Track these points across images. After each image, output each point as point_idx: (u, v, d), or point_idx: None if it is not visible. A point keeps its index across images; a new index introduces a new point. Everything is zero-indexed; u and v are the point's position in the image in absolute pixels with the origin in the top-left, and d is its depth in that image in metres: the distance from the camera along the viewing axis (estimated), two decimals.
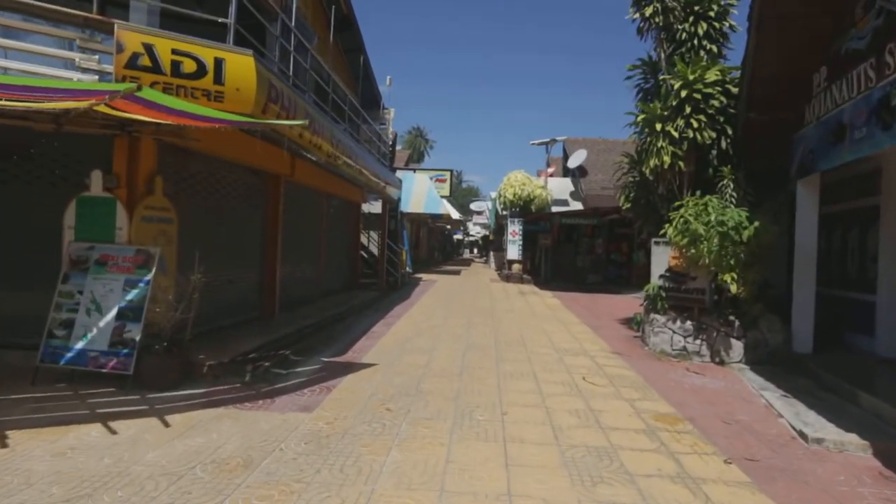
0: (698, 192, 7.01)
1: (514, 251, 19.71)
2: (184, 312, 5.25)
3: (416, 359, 6.62)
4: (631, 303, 14.05)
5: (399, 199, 17.56)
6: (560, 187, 20.80)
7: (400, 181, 17.87)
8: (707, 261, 6.56)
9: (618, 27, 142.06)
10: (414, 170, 24.67)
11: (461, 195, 70.05)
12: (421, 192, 21.21)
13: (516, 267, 19.79)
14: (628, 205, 8.72)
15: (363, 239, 17.89)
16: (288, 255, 9.88)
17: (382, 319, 9.81)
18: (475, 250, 63.42)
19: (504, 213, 20.34)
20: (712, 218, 6.26)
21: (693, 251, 6.70)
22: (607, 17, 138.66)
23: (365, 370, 6.03)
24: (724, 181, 7.09)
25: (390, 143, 16.13)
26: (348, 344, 7.47)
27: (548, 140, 19.48)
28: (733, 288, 6.26)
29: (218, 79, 4.96)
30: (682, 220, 6.67)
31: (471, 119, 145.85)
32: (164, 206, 5.82)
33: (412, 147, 64.26)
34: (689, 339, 7.10)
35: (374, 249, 17.27)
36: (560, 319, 10.54)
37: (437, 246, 40.56)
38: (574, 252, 20.17)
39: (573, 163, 20.28)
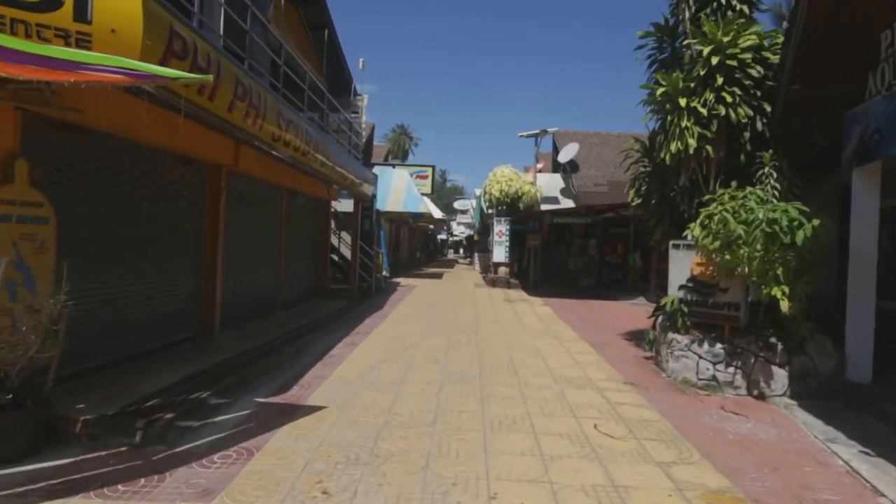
0: (734, 184, 5.69)
1: (500, 253, 18.37)
2: (43, 349, 3.76)
3: (378, 398, 5.19)
4: (631, 311, 12.81)
5: (374, 197, 16.11)
6: (550, 184, 19.52)
7: (375, 177, 16.42)
8: (746, 269, 5.25)
9: (608, 23, 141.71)
10: (393, 165, 23.21)
11: (445, 194, 68.71)
12: (400, 190, 19.78)
13: (503, 270, 18.45)
14: (638, 200, 7.41)
15: (334, 241, 16.41)
16: (234, 261, 8.38)
17: (347, 337, 8.36)
18: (460, 250, 62.10)
19: (490, 211, 19.00)
20: (759, 215, 4.94)
21: (727, 257, 5.39)
22: (597, 14, 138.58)
23: (308, 417, 4.59)
24: (766, 170, 5.80)
25: (364, 133, 14.65)
26: (297, 374, 6.02)
27: (537, 131, 18.20)
28: (784, 305, 4.95)
29: (81, 14, 3.48)
30: (716, 217, 5.34)
31: (456, 119, 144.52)
32: (33, 200, 4.30)
33: (396, 145, 62.86)
34: (720, 367, 5.78)
35: (348, 252, 15.81)
36: (554, 335, 9.19)
37: (418, 247, 39.13)
38: (565, 254, 18.91)
39: (564, 157, 19.01)
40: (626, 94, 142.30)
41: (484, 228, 25.00)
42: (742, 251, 5.20)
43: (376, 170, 20.72)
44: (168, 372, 5.35)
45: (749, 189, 5.41)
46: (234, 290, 8.45)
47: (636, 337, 9.08)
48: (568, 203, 18.78)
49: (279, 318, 9.59)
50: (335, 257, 15.92)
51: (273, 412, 4.72)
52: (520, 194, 17.86)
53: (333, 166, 9.69)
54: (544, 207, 18.05)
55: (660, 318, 7.00)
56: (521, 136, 18.69)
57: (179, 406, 4.51)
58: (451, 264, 37.74)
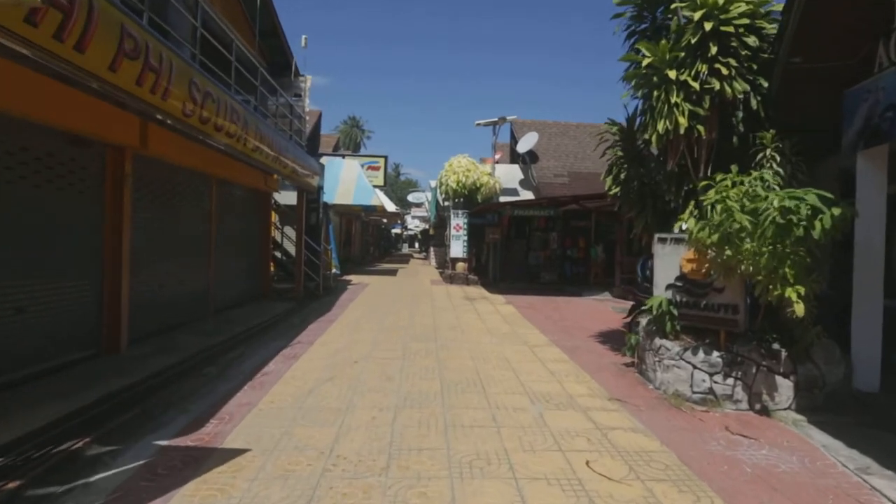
0: (734, 168, 4.97)
1: (457, 248, 17.52)
2: None
3: (316, 434, 4.17)
4: (597, 309, 12.23)
5: (321, 189, 14.88)
6: (508, 175, 18.80)
7: (322, 167, 15.20)
8: (751, 267, 4.54)
9: (563, 15, 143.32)
10: (343, 155, 21.91)
11: (399, 188, 67.42)
12: (350, 181, 18.55)
13: (461, 266, 17.62)
14: (616, 189, 6.65)
15: (278, 237, 15.09)
16: (147, 261, 7.12)
17: (286, 348, 7.25)
18: (416, 245, 61.03)
19: (446, 204, 18.10)
20: (774, 203, 4.22)
21: (728, 253, 4.67)
22: (551, 7, 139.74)
23: (222, 468, 3.53)
24: (766, 152, 5.12)
25: (310, 121, 13.39)
26: (217, 402, 4.90)
27: (496, 119, 17.40)
28: (798, 308, 4.26)
29: None
30: (718, 207, 4.60)
31: (410, 113, 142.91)
32: None
33: (348, 137, 61.08)
34: (718, 378, 5.09)
35: (294, 249, 14.55)
36: (523, 339, 8.38)
37: (371, 242, 37.85)
38: (526, 248, 18.26)
39: (523, 147, 18.32)
40: (581, 87, 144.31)
41: (440, 222, 24.10)
42: (747, 246, 4.49)
43: (324, 160, 19.40)
44: (37, 410, 4.15)
45: (755, 174, 4.70)
46: (149, 295, 7.18)
47: (609, 339, 8.41)
48: (528, 195, 18.12)
49: (209, 326, 8.36)
50: (279, 255, 14.62)
51: (176, 462, 3.62)
52: (478, 185, 17.04)
53: (270, 153, 8.50)
54: (503, 199, 17.31)
55: (643, 321, 6.28)
56: (479, 124, 17.86)
57: (39, 464, 3.36)
58: (405, 259, 36.66)
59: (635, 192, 6.47)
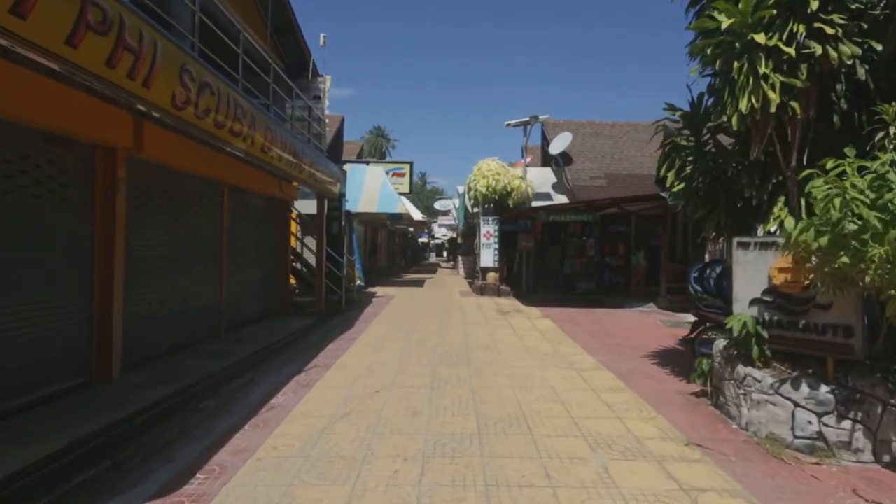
0: (850, 152, 3.94)
1: (488, 257, 16.60)
2: None
3: (324, 498, 3.32)
4: (644, 322, 11.13)
5: (343, 196, 14.21)
6: (540, 178, 17.83)
7: (344, 174, 14.54)
8: (879, 278, 3.51)
9: (591, 18, 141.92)
10: (367, 162, 21.31)
11: (426, 196, 66.93)
12: (374, 189, 17.89)
13: (491, 276, 16.68)
14: (679, 186, 5.64)
15: (298, 248, 14.45)
16: (147, 276, 6.46)
17: (300, 374, 6.45)
18: (443, 253, 60.29)
19: (475, 210, 17.23)
20: None
21: (844, 260, 3.64)
22: (578, 9, 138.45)
23: None
24: (890, 132, 4.08)
25: (332, 125, 12.75)
26: (209, 448, 4.11)
27: (527, 119, 16.47)
28: None
29: None
30: (837, 200, 3.60)
31: (436, 121, 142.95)
32: None
33: (373, 147, 61.08)
34: (829, 419, 4.04)
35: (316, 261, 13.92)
36: (567, 360, 7.40)
37: (398, 251, 37.24)
38: (561, 255, 17.21)
39: (556, 148, 17.34)
40: (613, 89, 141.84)
41: (468, 230, 23.23)
42: (875, 251, 3.46)
43: (347, 167, 18.81)
44: (10, 451, 3.41)
45: (885, 156, 3.67)
46: (148, 314, 6.50)
47: (666, 360, 7.36)
48: (561, 199, 17.10)
49: (218, 346, 7.65)
50: (300, 267, 13.97)
51: None
52: (508, 190, 16.12)
53: (285, 156, 7.81)
54: (535, 205, 16.33)
55: (719, 344, 5.25)
56: (509, 124, 16.95)
57: None
58: (433, 269, 35.87)
59: (704, 187, 5.46)
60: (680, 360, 7.39)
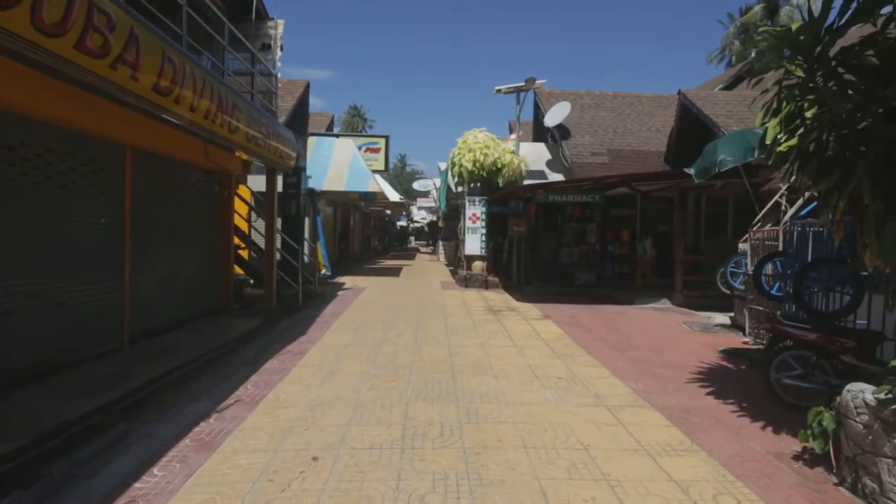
0: None
1: (474, 243, 14.61)
2: None
3: None
4: (663, 323, 9.26)
5: (303, 171, 12.05)
6: (534, 154, 15.82)
7: (303, 142, 12.38)
8: None
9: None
10: (336, 135, 18.98)
11: (405, 179, 64.49)
12: (343, 164, 15.69)
13: (477, 265, 14.71)
14: (790, 142, 3.67)
15: (263, 234, 12.21)
16: None
17: (206, 421, 4.39)
18: (424, 238, 58.13)
19: (459, 189, 15.18)
20: None
21: None
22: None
23: None
24: None
25: (278, 74, 10.49)
26: None
27: (521, 83, 14.34)
28: None
29: None
30: None
31: (418, 103, 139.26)
32: None
33: (349, 128, 58.37)
34: None
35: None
36: (591, 388, 5.47)
37: (373, 235, 35.02)
38: (557, 243, 15.30)
39: (552, 120, 15.32)
40: (615, 48, 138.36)
41: (451, 212, 21.20)
42: None
43: (313, 140, 16.61)
44: None
45: None
46: None
47: (723, 385, 5.50)
48: (557, 177, 15.14)
49: (109, 366, 5.56)
50: (253, 254, 11.76)
51: None
52: (498, 166, 14.09)
53: (205, 103, 5.65)
54: (529, 183, 14.34)
55: (864, 394, 3.34)
56: (500, 90, 14.82)
57: None
58: (411, 255, 33.74)
59: (835, 143, 3.51)
60: (742, 387, 5.54)
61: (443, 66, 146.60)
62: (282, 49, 10.37)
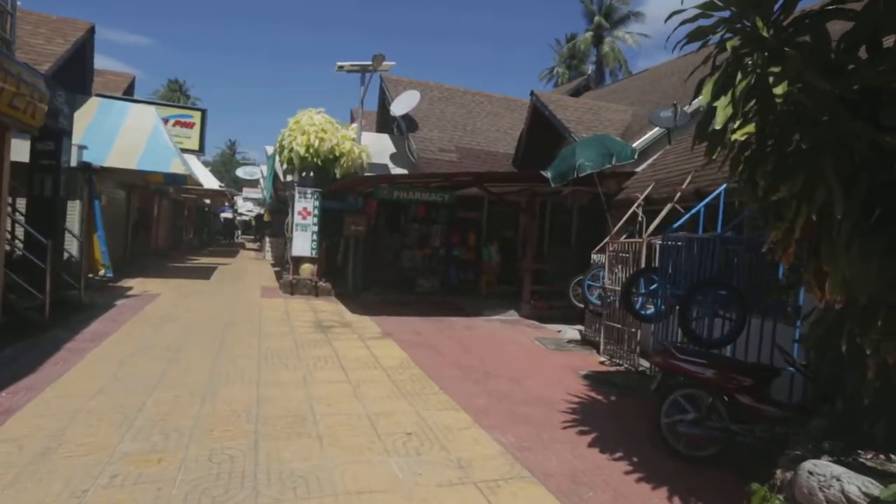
0: None
1: (303, 243, 12.59)
2: None
3: None
4: (516, 339, 8.19)
5: (66, 136, 9.00)
6: (377, 146, 14.31)
7: (76, 100, 9.39)
8: None
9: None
10: (133, 100, 15.28)
11: (234, 167, 58.34)
12: (137, 137, 12.46)
13: (307, 268, 12.71)
14: (747, 128, 2.59)
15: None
16: None
17: None
18: (253, 232, 52.93)
19: (289, 178, 13.02)
20: None
21: None
22: None
23: None
24: None
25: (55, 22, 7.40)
26: None
27: (367, 63, 12.63)
28: None
29: None
30: None
31: (251, 93, 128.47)
32: None
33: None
34: None
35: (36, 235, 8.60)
36: (452, 449, 4.13)
37: (186, 227, 30.37)
38: (399, 245, 13.98)
39: (399, 108, 13.97)
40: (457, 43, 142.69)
41: (279, 204, 18.68)
42: None
43: (96, 103, 13.01)
44: None
45: None
46: None
47: (599, 421, 4.58)
48: (402, 172, 13.83)
49: None
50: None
51: None
52: (336, 154, 12.27)
53: None
54: (370, 176, 12.78)
55: (848, 485, 2.41)
56: (342, 66, 12.93)
57: None
58: (234, 252, 29.88)
59: (801, 137, 2.57)
60: (622, 430, 4.67)
61: (280, 51, 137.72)
62: None
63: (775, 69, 2.58)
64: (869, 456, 2.89)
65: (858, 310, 2.72)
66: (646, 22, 49.30)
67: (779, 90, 2.47)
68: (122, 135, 12.43)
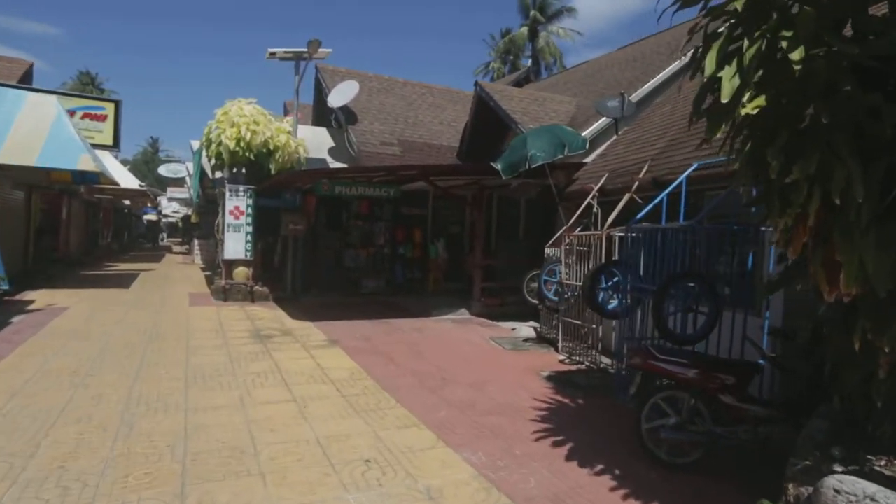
0: None
1: (237, 244, 11.65)
2: None
3: None
4: (469, 340, 7.82)
5: None
6: (314, 140, 13.52)
7: None
8: None
9: None
10: (31, 88, 13.62)
11: (157, 166, 54.74)
12: (36, 129, 11.09)
13: (241, 272, 11.78)
14: (756, 103, 2.27)
15: None
16: None
17: None
18: (181, 235, 49.84)
19: (218, 175, 12.01)
20: None
21: None
22: None
23: None
24: None
25: None
26: None
27: (302, 50, 11.78)
28: None
29: None
30: None
31: (176, 91, 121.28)
32: None
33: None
34: None
35: None
36: (416, 476, 3.64)
37: (103, 230, 28.00)
38: (341, 244, 13.27)
39: (337, 100, 13.21)
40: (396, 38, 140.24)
41: (207, 204, 17.41)
42: None
43: None
44: None
45: None
46: None
47: (571, 430, 4.24)
48: (342, 167, 13.11)
49: None
50: None
51: None
52: (271, 148, 11.41)
53: None
54: (310, 170, 11.99)
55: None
56: (273, 53, 12.00)
57: None
58: (159, 257, 27.85)
59: (816, 110, 2.26)
60: (596, 436, 4.33)
61: (206, 48, 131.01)
62: None
63: (787, 33, 2.26)
64: (882, 462, 2.66)
65: (874, 304, 2.46)
66: (577, 18, 50.49)
67: (795, 55, 2.15)
68: (16, 127, 11.01)
